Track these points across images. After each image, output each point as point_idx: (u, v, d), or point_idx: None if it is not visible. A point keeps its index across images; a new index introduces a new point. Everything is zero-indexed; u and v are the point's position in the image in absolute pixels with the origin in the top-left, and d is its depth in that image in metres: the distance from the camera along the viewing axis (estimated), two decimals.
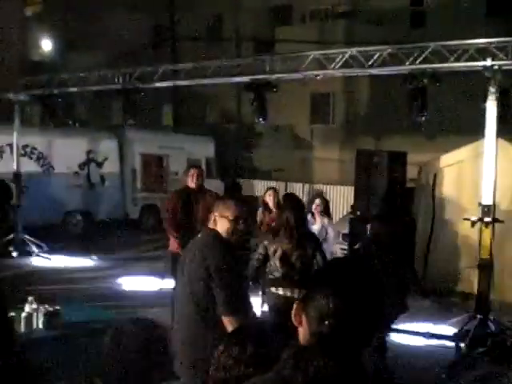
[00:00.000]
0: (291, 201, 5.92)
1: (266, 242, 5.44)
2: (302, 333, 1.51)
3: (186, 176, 7.25)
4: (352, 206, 10.74)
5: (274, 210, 7.83)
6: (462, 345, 6.79)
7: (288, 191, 19.84)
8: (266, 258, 5.39)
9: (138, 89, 11.05)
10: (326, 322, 1.45)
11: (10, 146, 13.35)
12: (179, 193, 7.36)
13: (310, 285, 1.54)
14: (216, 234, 3.47)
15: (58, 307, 4.96)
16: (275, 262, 5.30)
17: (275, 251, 5.30)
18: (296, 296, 4.99)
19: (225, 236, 3.46)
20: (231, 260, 3.40)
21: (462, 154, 10.01)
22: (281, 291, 5.26)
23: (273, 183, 18.54)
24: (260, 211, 8.11)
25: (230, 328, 3.11)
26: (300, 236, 5.30)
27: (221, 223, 3.48)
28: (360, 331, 1.47)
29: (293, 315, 1.53)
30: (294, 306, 1.53)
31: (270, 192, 8.12)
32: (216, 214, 3.51)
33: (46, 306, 4.88)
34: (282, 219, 5.43)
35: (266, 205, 8.03)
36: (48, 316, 4.75)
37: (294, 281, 5.18)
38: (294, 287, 5.14)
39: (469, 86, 8.91)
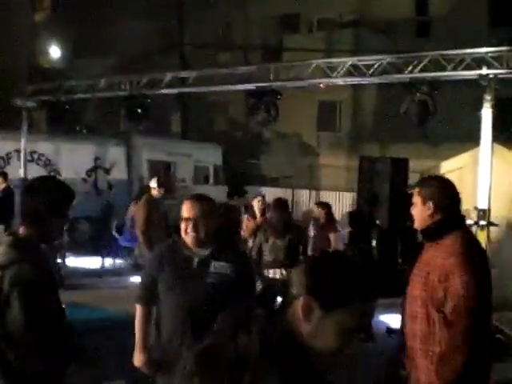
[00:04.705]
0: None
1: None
2: None
3: None
4: (351, 213, 10.76)
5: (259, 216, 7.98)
6: None
7: (295, 198, 20.01)
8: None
9: (146, 95, 11.22)
10: None
11: (18, 152, 13.54)
12: None
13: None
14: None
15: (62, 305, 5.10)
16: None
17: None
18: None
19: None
20: None
21: (462, 160, 10.12)
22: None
23: (279, 190, 18.70)
24: (245, 217, 8.35)
25: None
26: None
27: None
28: None
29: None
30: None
31: (258, 199, 8.28)
32: None
33: None
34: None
35: (252, 211, 8.24)
36: None
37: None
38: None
39: (472, 93, 9.06)
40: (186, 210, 3.35)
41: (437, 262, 3.04)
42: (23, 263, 2.61)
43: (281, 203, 6.87)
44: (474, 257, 2.98)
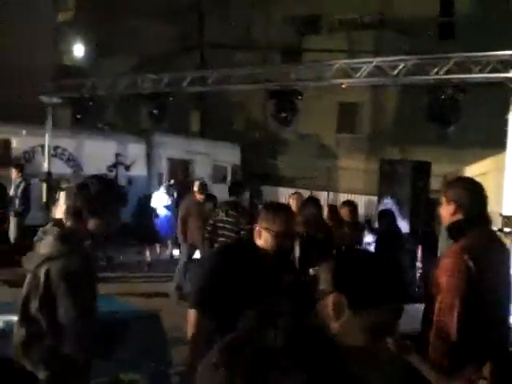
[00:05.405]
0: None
1: None
2: None
3: None
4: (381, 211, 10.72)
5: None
6: None
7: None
8: None
9: (167, 94, 11.28)
10: None
11: (42, 147, 13.80)
12: None
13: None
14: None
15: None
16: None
17: None
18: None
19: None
20: None
21: (486, 165, 10.01)
22: None
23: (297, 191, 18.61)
24: None
25: None
26: None
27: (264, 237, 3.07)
28: None
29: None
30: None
31: (295, 196, 8.17)
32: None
33: None
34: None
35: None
36: None
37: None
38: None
39: (496, 97, 8.93)
40: (286, 224, 3.05)
41: (440, 261, 3.12)
42: (71, 256, 2.69)
43: (315, 201, 7.02)
44: (464, 260, 2.93)
